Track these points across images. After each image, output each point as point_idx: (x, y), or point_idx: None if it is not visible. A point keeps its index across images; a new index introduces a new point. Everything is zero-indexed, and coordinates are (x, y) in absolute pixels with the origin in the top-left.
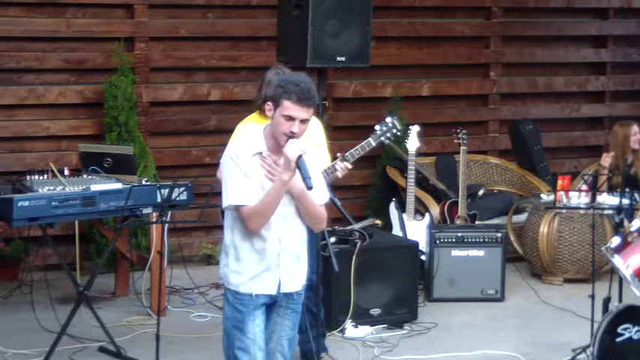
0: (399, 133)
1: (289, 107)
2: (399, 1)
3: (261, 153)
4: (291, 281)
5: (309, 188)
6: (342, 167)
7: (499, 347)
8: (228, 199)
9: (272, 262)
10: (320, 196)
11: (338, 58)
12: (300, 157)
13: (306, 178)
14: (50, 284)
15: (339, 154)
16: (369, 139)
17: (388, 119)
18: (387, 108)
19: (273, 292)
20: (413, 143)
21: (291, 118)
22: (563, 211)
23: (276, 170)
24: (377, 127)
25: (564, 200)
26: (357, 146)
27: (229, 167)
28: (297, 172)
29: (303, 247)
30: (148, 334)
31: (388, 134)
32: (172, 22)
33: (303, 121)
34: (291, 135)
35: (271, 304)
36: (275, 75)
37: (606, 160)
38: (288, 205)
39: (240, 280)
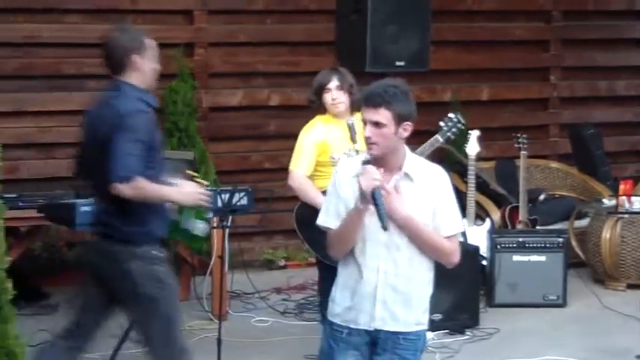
0: (463, 127)
1: (362, 111)
2: (457, 5)
3: None
4: (392, 320)
5: (384, 229)
6: None
7: (561, 353)
8: (319, 218)
9: (369, 293)
10: (446, 226)
11: (397, 63)
12: (375, 190)
13: (380, 216)
14: None
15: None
16: (437, 135)
17: (451, 115)
18: (446, 113)
19: (369, 327)
20: (473, 148)
21: (365, 122)
22: (626, 215)
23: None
24: (442, 124)
25: (626, 205)
26: (425, 144)
27: (329, 185)
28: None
29: (418, 285)
30: (209, 338)
31: (454, 129)
32: (231, 27)
33: (377, 125)
34: (366, 140)
35: (374, 344)
36: (328, 73)
37: None
38: (396, 234)
39: (335, 310)
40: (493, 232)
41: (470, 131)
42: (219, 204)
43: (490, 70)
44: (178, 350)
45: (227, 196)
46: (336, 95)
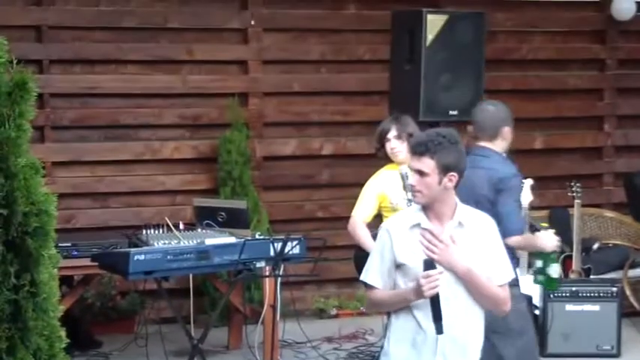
0: None
1: (409, 159)
2: (511, 54)
3: (419, 224)
4: None
5: (438, 333)
6: None
7: None
8: (363, 274)
9: (428, 348)
10: (499, 275)
11: (450, 112)
12: (436, 296)
13: (436, 320)
14: (165, 337)
15: None
16: None
17: None
18: None
19: None
20: (526, 197)
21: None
22: None
23: (437, 246)
24: None
25: None
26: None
27: (376, 241)
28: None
29: (473, 334)
30: None
31: None
32: (286, 77)
33: (420, 174)
34: (411, 188)
35: None
36: (388, 122)
37: None
38: (453, 284)
39: None
40: None
41: (523, 180)
42: (272, 253)
43: (544, 119)
44: None
45: (280, 244)
46: (394, 144)
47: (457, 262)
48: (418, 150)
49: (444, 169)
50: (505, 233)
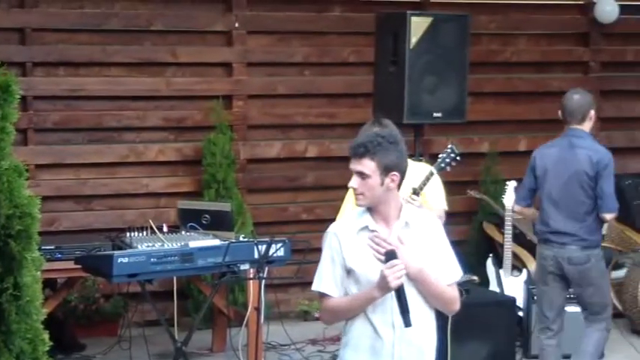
0: (458, 158)
1: (350, 161)
2: (495, 56)
3: (367, 227)
4: None
5: (407, 325)
6: (414, 199)
7: None
8: (314, 283)
9: (387, 353)
10: (448, 274)
11: (434, 114)
12: (400, 287)
13: (404, 313)
14: (149, 340)
15: (410, 189)
16: (431, 168)
17: (449, 146)
18: (483, 164)
19: None
20: (510, 199)
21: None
22: None
23: (386, 248)
24: (439, 156)
25: None
26: (423, 178)
27: (324, 247)
28: (406, 250)
29: (427, 335)
30: None
31: (448, 160)
32: (270, 79)
33: (361, 175)
34: (353, 191)
35: None
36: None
37: None
38: (407, 285)
39: None
40: (530, 282)
41: (507, 182)
42: (256, 255)
43: (528, 121)
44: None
45: (264, 247)
46: None
47: (408, 263)
48: (358, 152)
49: (385, 170)
50: (606, 209)
